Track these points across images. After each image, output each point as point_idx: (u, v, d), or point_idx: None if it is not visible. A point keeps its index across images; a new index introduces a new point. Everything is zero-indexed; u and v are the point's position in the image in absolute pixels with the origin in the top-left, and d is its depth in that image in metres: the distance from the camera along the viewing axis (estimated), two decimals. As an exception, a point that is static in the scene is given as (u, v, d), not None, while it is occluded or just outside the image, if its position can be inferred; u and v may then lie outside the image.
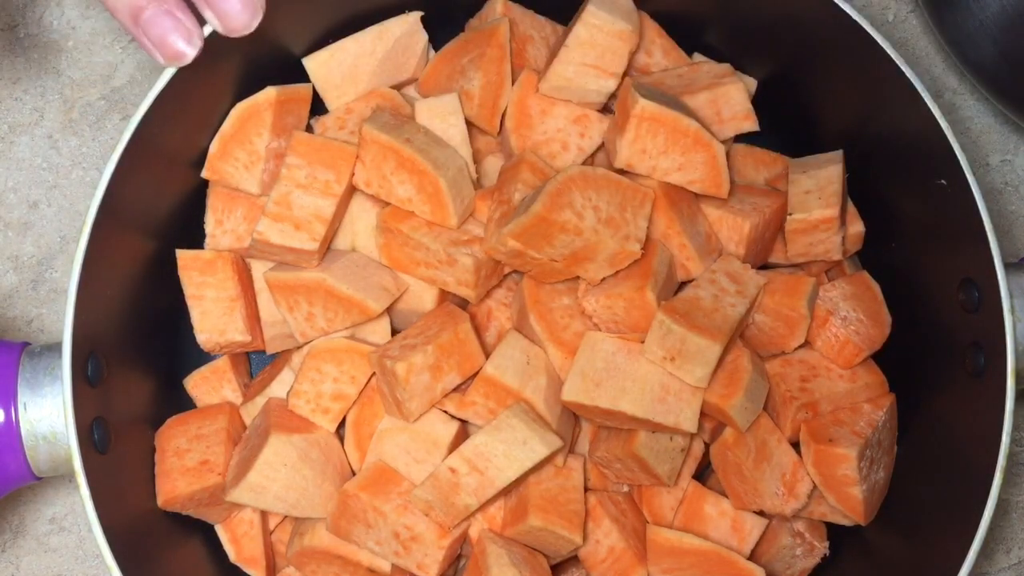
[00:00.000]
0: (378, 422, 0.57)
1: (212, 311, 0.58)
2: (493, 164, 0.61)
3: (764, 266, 0.61)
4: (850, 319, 0.59)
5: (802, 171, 0.59)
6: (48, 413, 0.52)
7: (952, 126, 0.54)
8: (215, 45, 0.53)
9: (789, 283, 0.58)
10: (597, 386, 0.54)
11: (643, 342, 0.55)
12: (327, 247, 0.57)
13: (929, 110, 0.54)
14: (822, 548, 0.60)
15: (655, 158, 0.56)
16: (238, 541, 0.59)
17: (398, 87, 0.61)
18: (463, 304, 0.59)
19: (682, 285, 0.58)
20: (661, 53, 0.62)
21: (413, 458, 0.56)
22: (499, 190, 0.57)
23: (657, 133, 0.55)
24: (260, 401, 0.59)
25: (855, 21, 0.55)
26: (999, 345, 0.52)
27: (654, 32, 0.61)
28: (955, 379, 0.56)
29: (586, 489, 0.58)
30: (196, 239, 0.60)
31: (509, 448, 0.53)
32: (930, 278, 0.58)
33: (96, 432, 0.52)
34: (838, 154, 0.60)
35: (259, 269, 0.59)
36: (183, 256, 0.58)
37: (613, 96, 0.59)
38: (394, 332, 0.59)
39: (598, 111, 0.60)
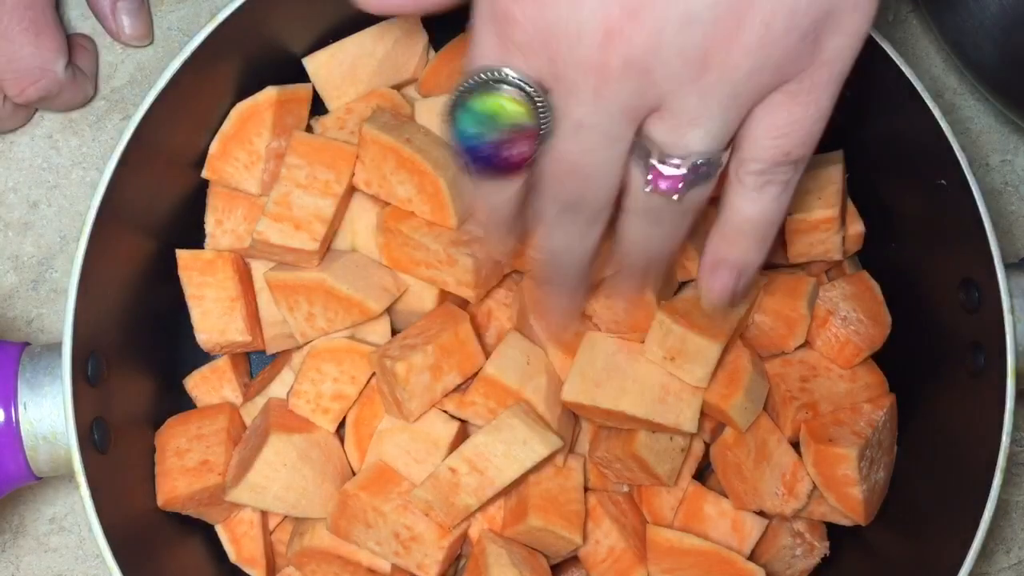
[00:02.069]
0: (378, 422, 0.57)
1: (212, 311, 0.58)
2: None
3: (764, 266, 0.61)
4: (850, 319, 0.59)
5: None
6: (48, 413, 0.52)
7: (952, 126, 0.54)
8: (215, 45, 0.53)
9: (789, 283, 0.58)
10: (597, 386, 0.54)
11: (643, 342, 0.55)
12: (327, 247, 0.57)
13: (929, 110, 0.54)
14: (822, 548, 0.60)
15: (655, 158, 0.56)
16: (238, 541, 0.59)
17: (398, 87, 0.61)
18: (463, 304, 0.59)
19: (682, 285, 0.58)
20: (661, 53, 0.62)
21: (413, 458, 0.56)
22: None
23: (657, 133, 0.55)
24: (260, 401, 0.59)
25: (855, 21, 0.55)
26: (999, 345, 0.52)
27: (654, 32, 0.61)
28: (955, 379, 0.56)
29: (586, 489, 0.58)
30: (196, 239, 0.60)
31: (509, 448, 0.53)
32: (930, 278, 0.58)
33: (96, 432, 0.52)
34: (838, 154, 0.59)
35: (259, 269, 0.59)
36: (183, 256, 0.58)
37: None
38: (394, 332, 0.59)
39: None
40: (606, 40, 0.37)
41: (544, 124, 0.39)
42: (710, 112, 0.38)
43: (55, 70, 0.61)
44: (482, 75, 0.39)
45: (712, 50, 0.37)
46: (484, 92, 0.39)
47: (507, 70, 0.38)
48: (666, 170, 0.40)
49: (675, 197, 0.41)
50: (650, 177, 0.40)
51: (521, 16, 0.37)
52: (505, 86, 0.38)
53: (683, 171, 0.40)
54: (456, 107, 0.40)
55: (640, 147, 0.40)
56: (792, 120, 0.40)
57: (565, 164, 0.40)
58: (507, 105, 0.39)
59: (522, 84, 0.38)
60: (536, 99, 0.39)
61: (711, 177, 0.41)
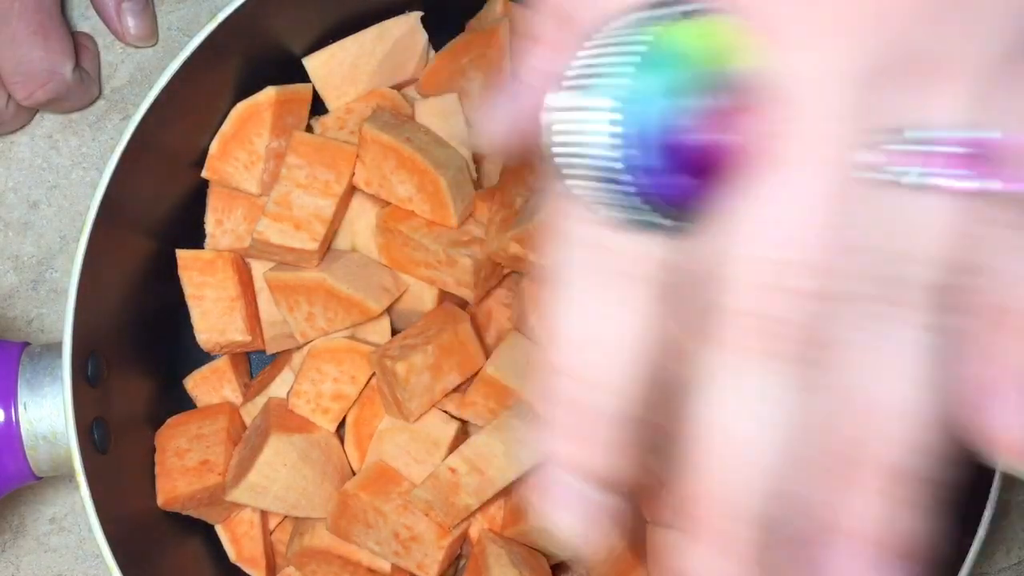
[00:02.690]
0: (378, 422, 0.57)
1: (212, 311, 0.58)
2: (493, 165, 0.61)
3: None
4: (850, 319, 0.59)
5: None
6: (48, 413, 0.52)
7: (952, 126, 0.54)
8: (215, 45, 0.53)
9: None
10: (597, 386, 0.54)
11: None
12: (327, 247, 0.57)
13: (929, 110, 0.54)
14: (822, 548, 0.60)
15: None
16: (238, 541, 0.59)
17: (398, 87, 0.61)
18: (463, 304, 0.59)
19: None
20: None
21: (413, 458, 0.56)
22: (500, 192, 0.57)
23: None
24: (260, 401, 0.59)
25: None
26: (999, 345, 0.52)
27: (654, 32, 0.61)
28: (955, 379, 0.56)
29: (586, 489, 0.57)
30: (196, 239, 0.60)
31: (509, 448, 0.53)
32: (930, 278, 0.58)
33: (96, 432, 0.52)
34: (838, 154, 0.59)
35: (259, 269, 0.59)
36: (183, 256, 0.58)
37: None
38: (394, 332, 0.59)
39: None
40: None
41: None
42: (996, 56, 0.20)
43: (64, 73, 0.61)
44: None
45: None
46: (687, 18, 0.19)
47: None
48: (929, 147, 0.20)
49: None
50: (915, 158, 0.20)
51: None
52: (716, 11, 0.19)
53: (951, 146, 0.20)
54: (636, 52, 0.19)
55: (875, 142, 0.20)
56: None
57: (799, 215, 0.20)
58: (734, 37, 0.19)
59: None
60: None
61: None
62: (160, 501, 0.56)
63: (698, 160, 0.18)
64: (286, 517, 0.60)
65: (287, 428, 0.55)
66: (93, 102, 0.67)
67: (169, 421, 0.59)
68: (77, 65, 0.63)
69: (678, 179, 0.18)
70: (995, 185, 0.19)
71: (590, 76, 0.19)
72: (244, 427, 0.60)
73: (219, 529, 0.59)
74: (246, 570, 0.59)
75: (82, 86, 0.64)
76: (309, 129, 0.60)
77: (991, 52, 0.20)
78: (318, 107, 0.60)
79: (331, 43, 0.60)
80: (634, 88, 0.18)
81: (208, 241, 0.60)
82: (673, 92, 0.18)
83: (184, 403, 0.61)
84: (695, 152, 0.18)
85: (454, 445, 0.55)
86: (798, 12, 0.19)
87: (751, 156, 0.18)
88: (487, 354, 0.56)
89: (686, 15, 0.19)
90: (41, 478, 0.53)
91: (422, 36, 0.61)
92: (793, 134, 0.19)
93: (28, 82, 0.60)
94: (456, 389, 0.56)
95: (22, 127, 0.66)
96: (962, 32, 0.19)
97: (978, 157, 0.19)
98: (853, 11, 0.19)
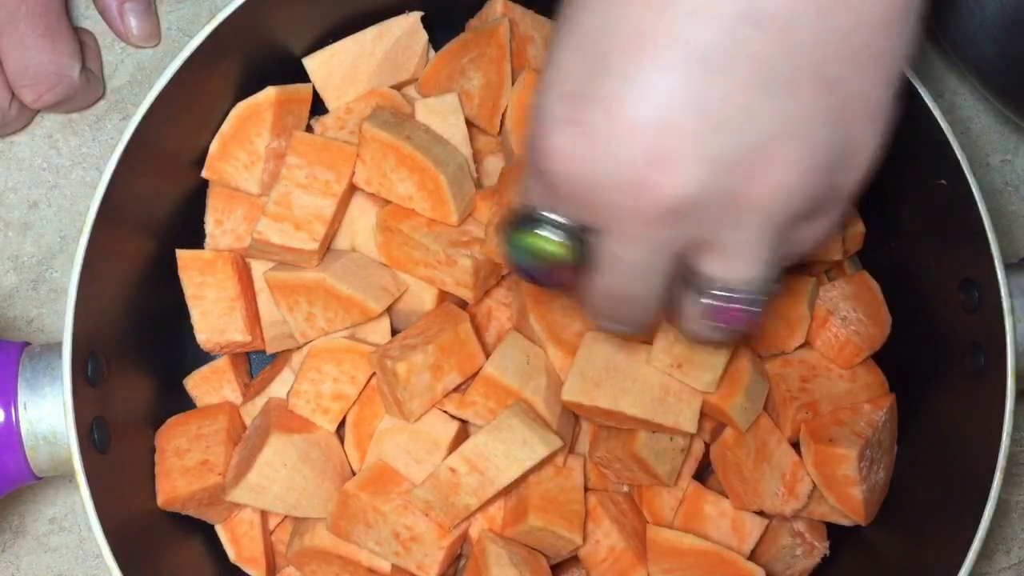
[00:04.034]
0: (378, 422, 0.57)
1: (212, 311, 0.58)
2: (493, 164, 0.61)
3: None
4: (850, 319, 0.59)
5: (802, 171, 0.59)
6: (48, 413, 0.52)
7: (952, 126, 0.54)
8: (215, 45, 0.53)
9: (789, 283, 0.58)
10: (597, 386, 0.54)
11: (643, 342, 0.55)
12: (327, 247, 0.57)
13: (929, 110, 0.54)
14: (822, 548, 0.60)
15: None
16: (238, 541, 0.59)
17: (398, 87, 0.61)
18: (462, 304, 0.59)
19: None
20: (661, 53, 0.62)
21: (413, 458, 0.56)
22: (500, 193, 0.57)
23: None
24: (260, 401, 0.59)
25: (855, 21, 0.55)
26: (999, 345, 0.52)
27: (654, 32, 0.61)
28: (955, 379, 0.56)
29: (586, 489, 0.58)
30: (196, 239, 0.60)
31: (509, 448, 0.53)
32: (930, 278, 0.58)
33: (96, 432, 0.52)
34: (838, 154, 0.59)
35: (259, 269, 0.59)
36: (183, 256, 0.58)
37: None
38: (394, 332, 0.59)
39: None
40: (636, 191, 0.38)
41: (586, 261, 0.42)
42: (753, 243, 0.40)
43: (72, 75, 0.61)
44: (529, 214, 0.42)
45: (741, 189, 0.38)
46: (529, 230, 0.42)
47: (551, 215, 0.41)
48: (721, 303, 0.41)
49: (735, 328, 0.42)
50: (708, 312, 0.42)
51: (556, 174, 0.39)
52: (549, 226, 0.41)
53: (738, 304, 0.41)
54: (507, 234, 0.43)
55: (692, 284, 0.41)
56: (813, 236, 0.42)
57: (607, 294, 0.43)
58: (549, 245, 0.42)
59: (564, 229, 0.41)
60: (578, 241, 0.41)
61: (764, 304, 0.42)
62: (160, 501, 0.56)
63: (533, 277, 0.43)
64: (286, 517, 0.60)
65: (287, 428, 0.55)
66: (97, 101, 0.67)
67: (169, 421, 0.59)
68: (84, 66, 0.63)
69: (523, 275, 0.44)
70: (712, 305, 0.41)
71: (503, 235, 0.43)
72: (244, 427, 0.60)
73: (219, 529, 0.59)
74: (246, 570, 0.59)
75: (88, 86, 0.64)
76: (309, 129, 0.60)
77: (747, 237, 0.39)
78: (318, 107, 0.60)
79: (331, 43, 0.60)
80: (510, 251, 0.43)
81: (208, 241, 0.60)
82: (521, 255, 0.42)
83: (184, 403, 0.61)
84: (532, 275, 0.43)
85: (454, 445, 0.55)
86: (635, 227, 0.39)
87: (554, 282, 0.43)
88: (487, 354, 0.56)
89: (533, 226, 0.41)
90: (41, 478, 0.53)
91: (422, 36, 0.61)
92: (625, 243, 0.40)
93: (37, 85, 0.60)
94: (456, 389, 0.56)
95: (23, 127, 0.66)
96: (729, 228, 0.39)
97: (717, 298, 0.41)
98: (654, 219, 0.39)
